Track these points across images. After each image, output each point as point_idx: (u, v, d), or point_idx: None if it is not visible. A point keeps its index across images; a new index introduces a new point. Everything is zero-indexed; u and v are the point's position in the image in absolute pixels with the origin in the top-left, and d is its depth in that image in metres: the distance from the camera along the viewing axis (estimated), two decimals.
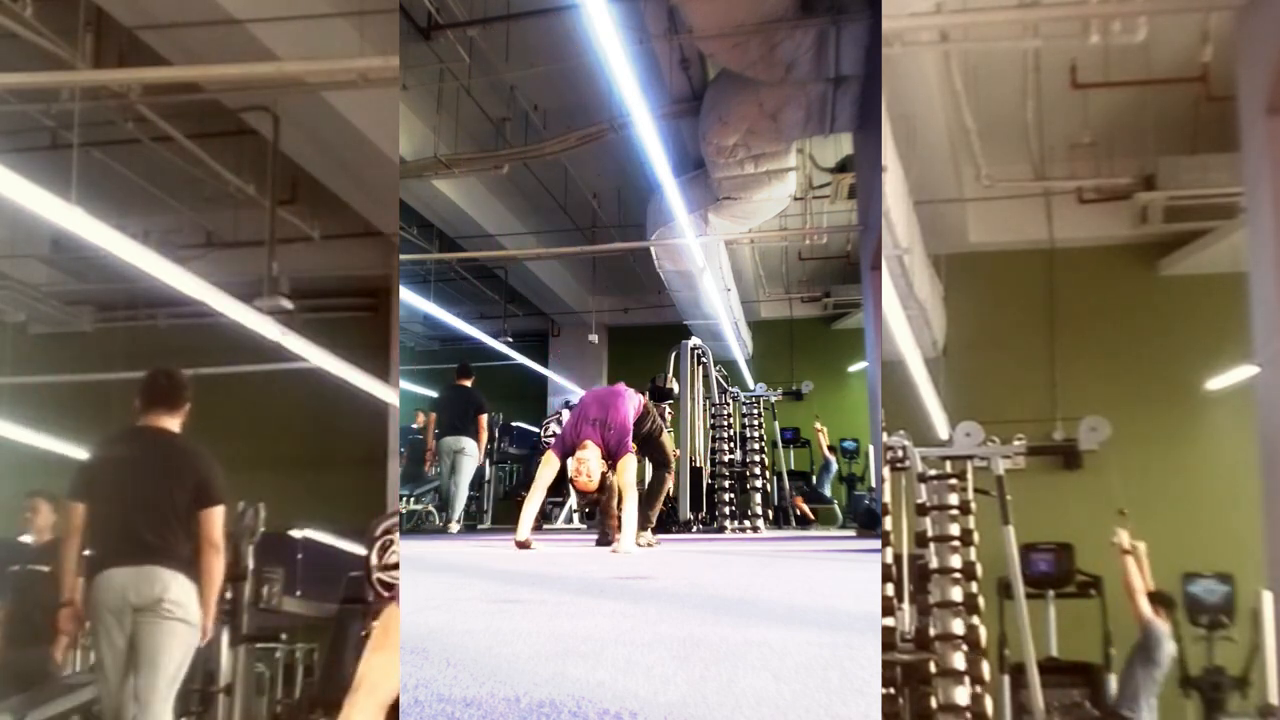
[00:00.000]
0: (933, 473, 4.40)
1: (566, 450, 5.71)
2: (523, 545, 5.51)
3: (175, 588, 3.73)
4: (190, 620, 3.78)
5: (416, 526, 11.51)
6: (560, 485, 10.26)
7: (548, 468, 5.75)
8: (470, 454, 9.09)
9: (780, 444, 12.34)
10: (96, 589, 3.73)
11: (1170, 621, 6.33)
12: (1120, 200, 8.64)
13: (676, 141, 8.50)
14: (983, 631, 4.05)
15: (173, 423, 4.01)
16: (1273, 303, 4.16)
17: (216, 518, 3.87)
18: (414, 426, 11.74)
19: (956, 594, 4.05)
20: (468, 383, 9.45)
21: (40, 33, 5.70)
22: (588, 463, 5.49)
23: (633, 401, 6.03)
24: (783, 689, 1.45)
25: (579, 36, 6.19)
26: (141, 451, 3.95)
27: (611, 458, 5.62)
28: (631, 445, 5.70)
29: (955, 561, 4.10)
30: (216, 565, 3.88)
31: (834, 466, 12.97)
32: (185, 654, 3.78)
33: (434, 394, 15.76)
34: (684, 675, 1.55)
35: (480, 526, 11.31)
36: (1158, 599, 6.35)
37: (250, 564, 5.09)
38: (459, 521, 9.20)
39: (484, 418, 9.27)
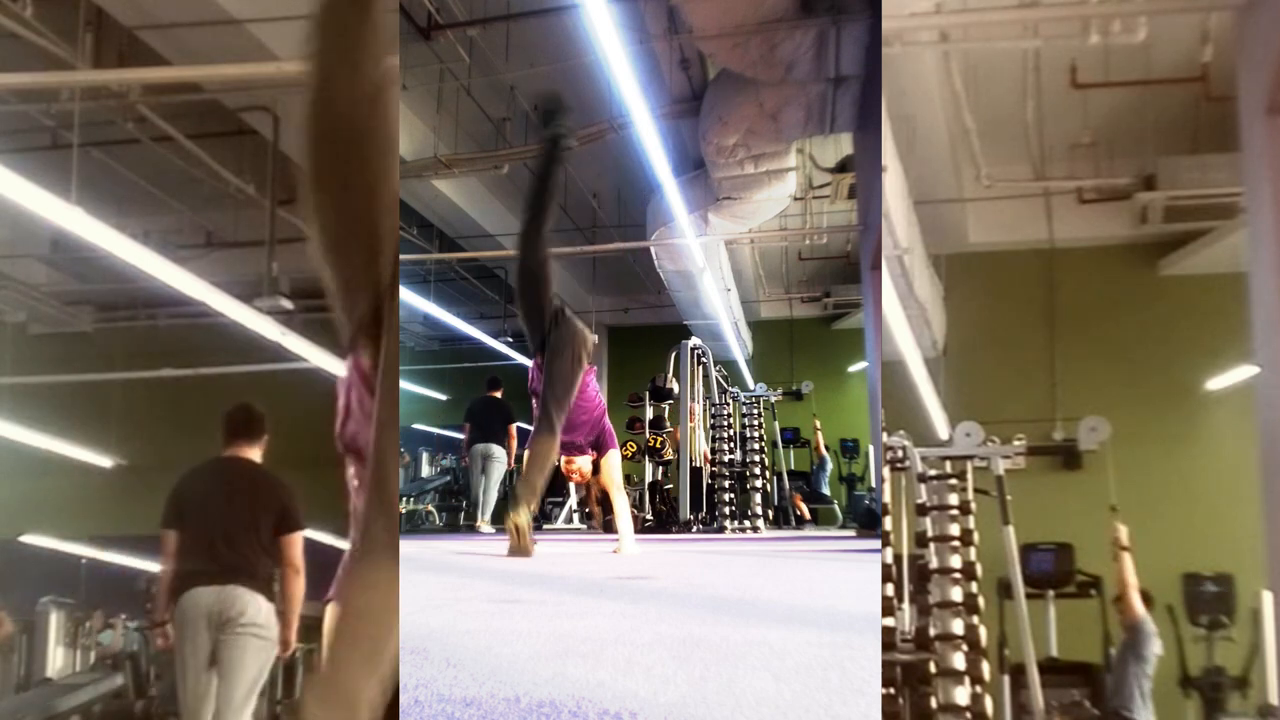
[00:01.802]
0: (933, 473, 4.40)
1: None
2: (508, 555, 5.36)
3: (253, 607, 4.06)
4: (267, 636, 4.08)
5: (416, 527, 11.53)
6: (560, 485, 10.35)
7: None
8: (499, 459, 9.56)
9: (780, 444, 12.34)
10: (183, 604, 4.06)
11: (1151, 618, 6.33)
12: (1120, 200, 8.63)
13: (676, 141, 8.50)
14: (983, 631, 4.05)
15: (254, 453, 4.37)
16: (1273, 303, 4.16)
17: (297, 543, 4.20)
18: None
19: (956, 594, 4.05)
20: (498, 394, 10.02)
21: (40, 33, 5.70)
22: (579, 468, 5.25)
23: (588, 381, 5.35)
24: (783, 689, 1.45)
25: (579, 36, 6.20)
26: (227, 481, 4.29)
27: (597, 449, 5.29)
28: (614, 438, 5.35)
29: (955, 561, 4.09)
30: (298, 586, 4.18)
31: (829, 465, 13.00)
32: (262, 667, 4.09)
33: (435, 394, 15.85)
34: (684, 675, 1.55)
35: (486, 531, 11.30)
36: (1142, 596, 6.36)
37: None
38: (487, 520, 9.52)
39: (513, 426, 9.80)
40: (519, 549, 4.68)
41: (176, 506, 4.23)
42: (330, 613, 1.51)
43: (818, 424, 12.87)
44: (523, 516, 4.69)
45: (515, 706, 1.34)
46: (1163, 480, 8.58)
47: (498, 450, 9.58)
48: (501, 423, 9.71)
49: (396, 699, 1.41)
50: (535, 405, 4.97)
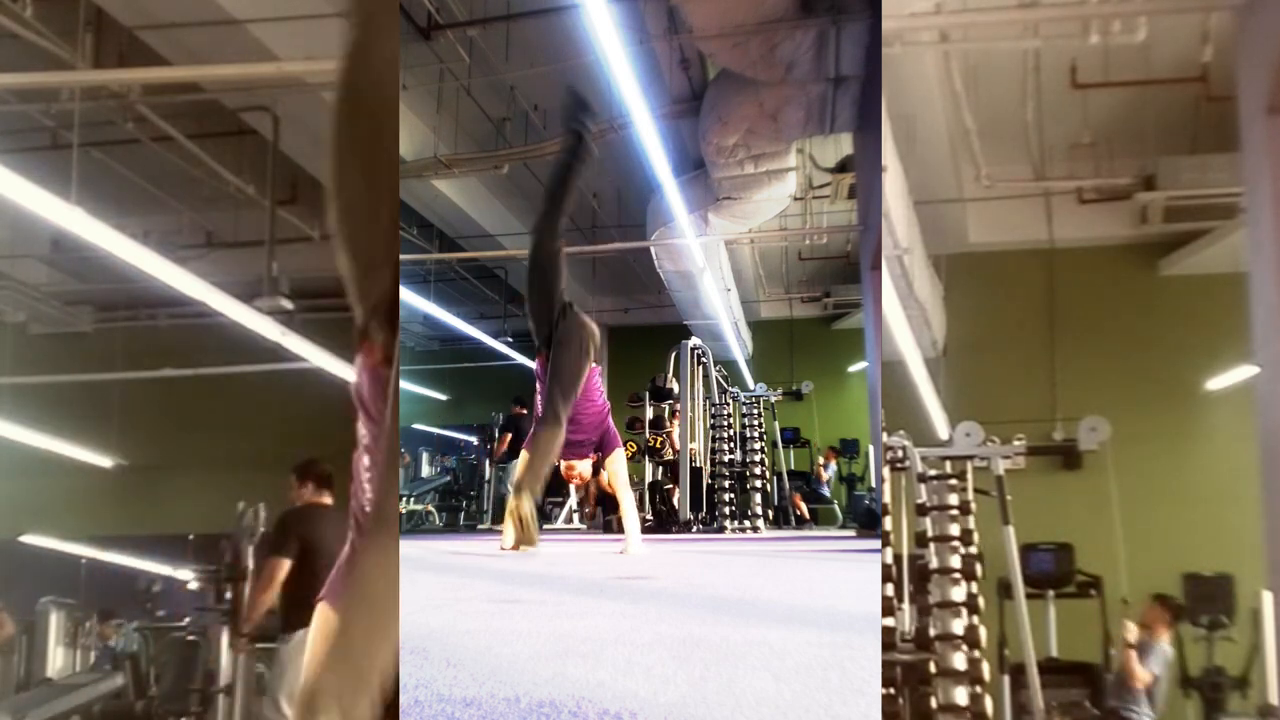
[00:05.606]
0: (933, 473, 4.39)
1: None
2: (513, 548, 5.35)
3: None
4: None
5: (416, 527, 11.54)
6: (560, 485, 10.36)
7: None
8: None
9: (780, 444, 12.34)
10: (298, 639, 4.49)
11: (1175, 629, 6.38)
12: (1120, 200, 8.63)
13: (676, 141, 8.50)
14: (983, 631, 4.05)
15: (329, 497, 4.97)
16: (1273, 303, 4.16)
17: None
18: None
19: (956, 594, 4.05)
20: (524, 411, 11.14)
21: (40, 33, 5.70)
22: (578, 469, 5.21)
23: (593, 379, 5.31)
24: (783, 689, 1.45)
25: (579, 36, 6.19)
26: (334, 527, 4.73)
27: (600, 450, 5.25)
28: (618, 438, 5.30)
29: (955, 561, 4.09)
30: None
31: (831, 467, 13.06)
32: None
33: (435, 394, 15.86)
34: (684, 675, 1.55)
35: (480, 526, 11.33)
36: (1167, 605, 6.40)
37: (250, 564, 5.11)
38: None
39: None
40: (525, 539, 4.72)
41: (290, 538, 4.69)
42: (319, 613, 1.50)
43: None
44: (526, 506, 4.70)
45: (515, 706, 1.34)
46: (1163, 480, 8.57)
47: None
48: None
49: (397, 699, 1.40)
50: (539, 397, 4.97)
